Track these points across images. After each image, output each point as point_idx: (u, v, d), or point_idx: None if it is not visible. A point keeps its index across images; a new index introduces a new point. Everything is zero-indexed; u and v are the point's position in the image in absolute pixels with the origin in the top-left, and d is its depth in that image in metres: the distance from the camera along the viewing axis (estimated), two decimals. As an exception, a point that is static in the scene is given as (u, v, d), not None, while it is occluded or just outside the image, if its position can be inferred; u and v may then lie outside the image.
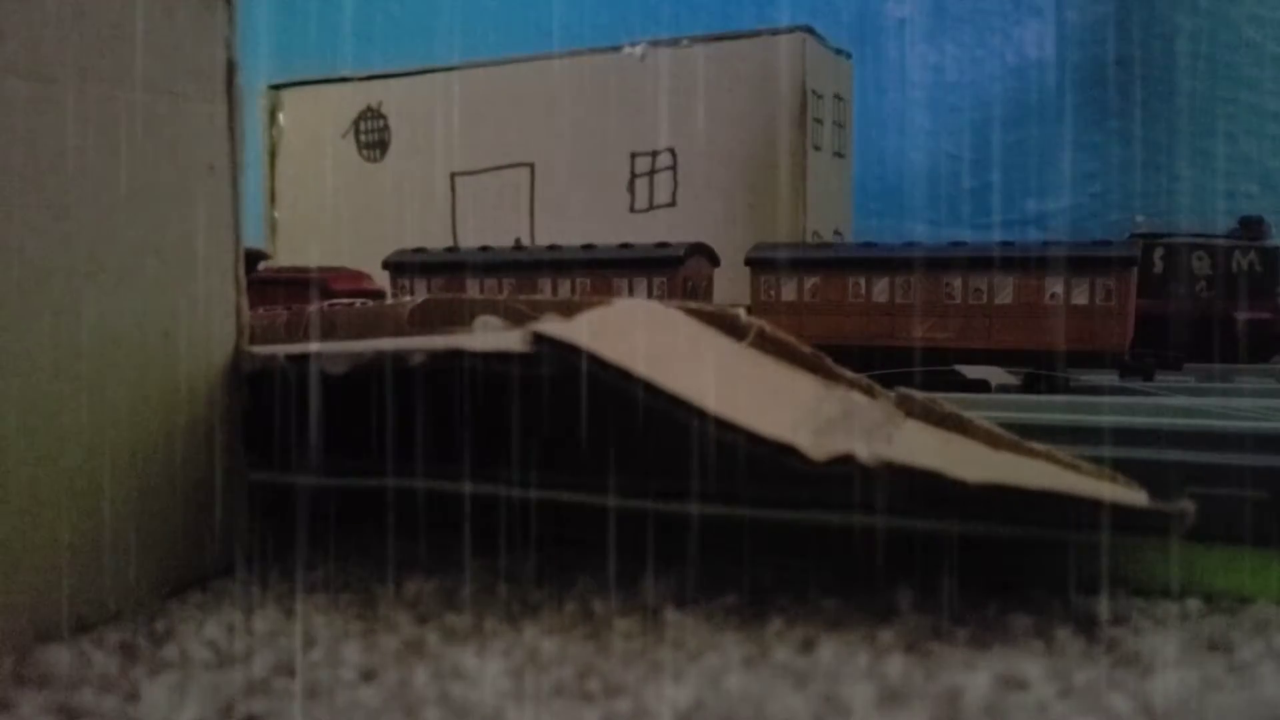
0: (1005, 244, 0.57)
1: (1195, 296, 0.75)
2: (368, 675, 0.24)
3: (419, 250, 0.70)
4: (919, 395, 0.35)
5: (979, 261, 0.55)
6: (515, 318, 0.43)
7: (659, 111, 0.81)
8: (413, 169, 0.90)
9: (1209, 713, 0.22)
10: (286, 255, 0.94)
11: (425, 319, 0.45)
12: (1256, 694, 0.23)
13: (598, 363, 0.27)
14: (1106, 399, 0.49)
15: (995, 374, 0.59)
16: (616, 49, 0.82)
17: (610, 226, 0.80)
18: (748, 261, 0.61)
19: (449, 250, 0.72)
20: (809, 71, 0.76)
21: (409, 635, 0.27)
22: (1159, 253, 0.76)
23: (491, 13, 1.16)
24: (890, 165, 1.12)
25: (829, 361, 0.37)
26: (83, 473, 0.28)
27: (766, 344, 0.37)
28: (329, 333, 0.45)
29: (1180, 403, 0.45)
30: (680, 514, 0.37)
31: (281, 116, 0.96)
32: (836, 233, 0.82)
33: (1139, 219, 0.83)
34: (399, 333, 0.45)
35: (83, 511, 0.28)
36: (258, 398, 0.33)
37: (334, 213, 0.93)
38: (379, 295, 0.69)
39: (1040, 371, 0.55)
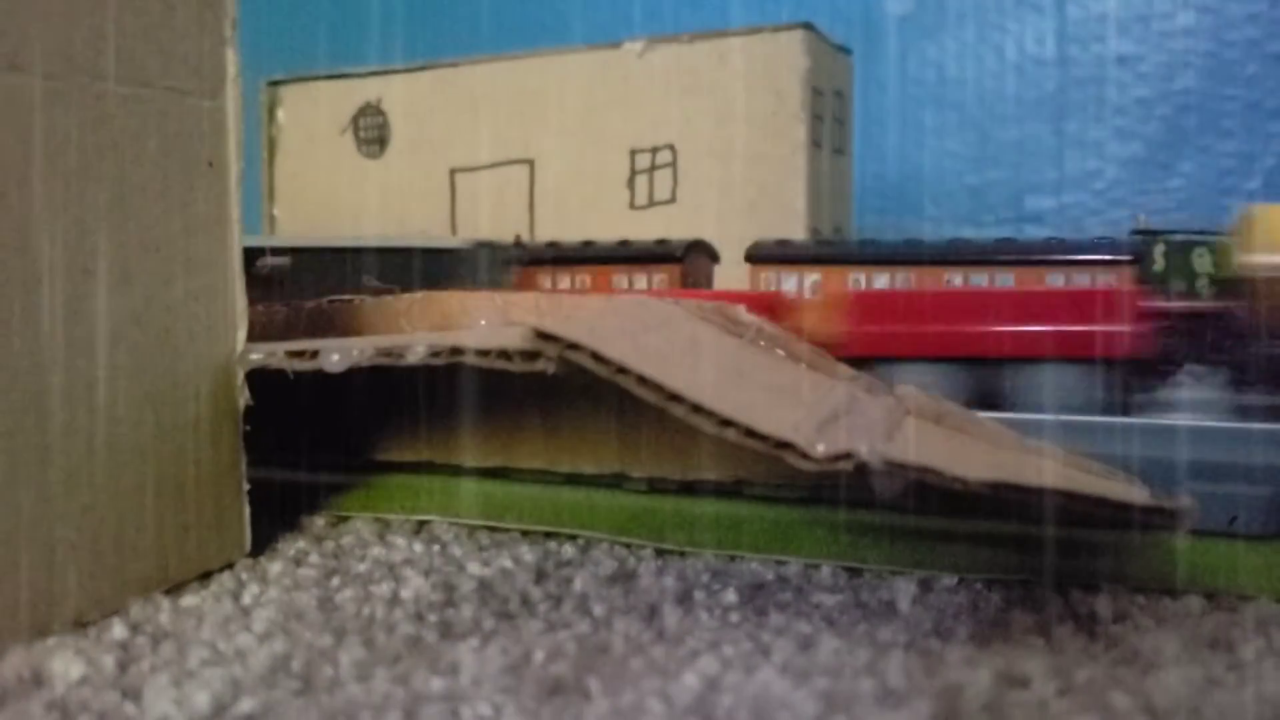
0: (1005, 241, 0.57)
1: (1196, 293, 0.75)
2: (366, 672, 0.24)
3: (418, 247, 0.70)
4: (920, 392, 0.35)
5: (979, 258, 0.55)
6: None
7: (659, 108, 0.81)
8: (412, 165, 0.90)
9: (1210, 711, 0.22)
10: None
11: (425, 315, 0.45)
12: (1257, 692, 0.23)
13: (598, 359, 0.27)
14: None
15: None
16: (616, 45, 0.82)
17: (610, 223, 0.80)
18: (747, 258, 0.61)
19: (448, 247, 0.72)
20: (809, 68, 0.76)
21: (407, 632, 0.27)
22: (1160, 249, 0.75)
23: (491, 8, 1.16)
24: (890, 162, 1.12)
25: (829, 358, 0.37)
26: (82, 469, 0.28)
27: (766, 341, 0.37)
28: (328, 329, 0.45)
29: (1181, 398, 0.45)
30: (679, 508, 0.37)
31: (280, 112, 0.96)
32: (836, 230, 0.82)
33: (1140, 216, 0.83)
34: (398, 329, 0.45)
35: (81, 508, 0.28)
36: (257, 394, 0.33)
37: (333, 209, 0.93)
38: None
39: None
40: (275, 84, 0.96)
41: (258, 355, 0.32)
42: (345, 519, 0.39)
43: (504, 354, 0.29)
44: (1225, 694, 0.23)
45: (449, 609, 0.29)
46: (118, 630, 0.27)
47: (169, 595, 0.30)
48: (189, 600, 0.30)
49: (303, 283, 0.52)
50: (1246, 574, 0.31)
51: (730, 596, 0.29)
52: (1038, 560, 0.32)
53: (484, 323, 0.44)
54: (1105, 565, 0.31)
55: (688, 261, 0.62)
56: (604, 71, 0.82)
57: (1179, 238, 0.67)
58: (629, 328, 0.32)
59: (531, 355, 0.28)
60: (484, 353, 0.29)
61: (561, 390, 0.40)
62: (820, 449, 0.26)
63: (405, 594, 0.30)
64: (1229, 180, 1.02)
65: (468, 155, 0.88)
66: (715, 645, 0.26)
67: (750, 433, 0.26)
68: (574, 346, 0.28)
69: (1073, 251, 0.54)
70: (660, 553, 0.34)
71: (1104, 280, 0.53)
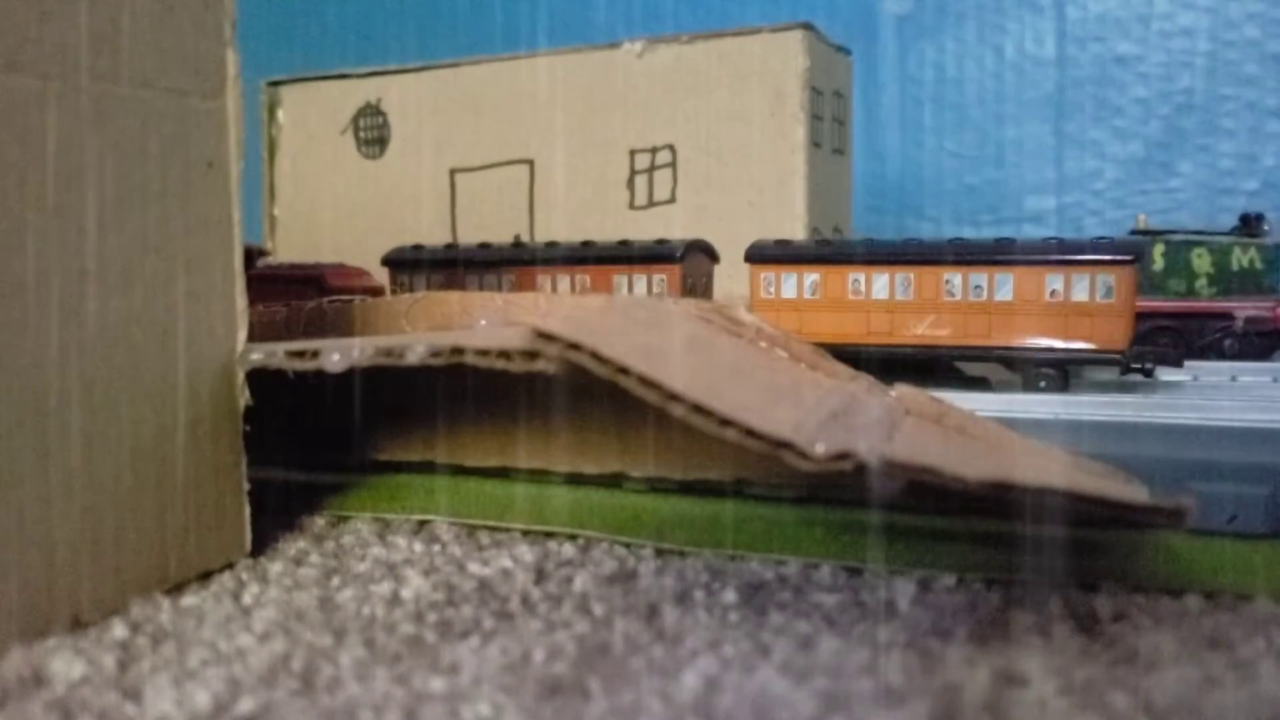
0: (1005, 241, 0.57)
1: (1195, 293, 0.76)
2: (366, 672, 0.24)
3: (418, 247, 0.70)
4: (919, 392, 0.35)
5: (979, 258, 0.55)
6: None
7: (659, 108, 0.81)
8: (412, 165, 0.90)
9: (1209, 710, 0.22)
10: (285, 252, 0.94)
11: (425, 315, 0.45)
12: (1257, 691, 0.23)
13: (598, 359, 0.27)
14: (1107, 397, 0.49)
15: (996, 371, 0.59)
16: (616, 45, 0.82)
17: (610, 223, 0.80)
18: (747, 258, 0.61)
19: (448, 247, 0.72)
20: (809, 68, 0.76)
21: (407, 632, 0.27)
22: (1159, 249, 0.76)
23: (491, 9, 1.16)
24: (890, 162, 1.12)
25: (829, 358, 0.37)
26: (82, 470, 0.28)
27: (766, 340, 0.37)
28: (327, 329, 0.45)
29: (1181, 399, 0.45)
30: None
31: (280, 113, 0.96)
32: (836, 230, 0.82)
33: (1140, 216, 0.83)
34: (398, 329, 0.45)
35: (82, 508, 0.28)
36: (257, 394, 0.33)
37: (333, 209, 0.93)
38: (378, 292, 0.69)
39: (1041, 369, 0.55)
40: (275, 84, 0.96)
41: (258, 355, 0.32)
42: (345, 519, 0.39)
43: (504, 354, 0.29)
44: (1225, 694, 0.23)
45: (449, 609, 0.29)
46: (118, 630, 0.27)
47: (169, 595, 0.30)
48: (189, 600, 0.30)
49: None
50: (1246, 574, 0.31)
51: (730, 596, 0.29)
52: (1037, 560, 0.32)
53: (484, 323, 0.44)
54: (1105, 565, 0.31)
55: (688, 262, 0.62)
56: (604, 71, 0.82)
57: (1178, 238, 0.67)
58: (629, 328, 0.32)
59: (531, 355, 0.28)
60: (484, 353, 0.29)
61: (561, 390, 0.40)
62: (820, 449, 0.26)
63: (405, 594, 0.30)
64: (1229, 180, 1.02)
65: (468, 155, 0.88)
66: (715, 645, 0.26)
67: (750, 432, 0.26)
68: (574, 346, 0.28)
69: (1073, 251, 0.54)
70: (660, 553, 0.34)
71: (1104, 280, 0.53)
